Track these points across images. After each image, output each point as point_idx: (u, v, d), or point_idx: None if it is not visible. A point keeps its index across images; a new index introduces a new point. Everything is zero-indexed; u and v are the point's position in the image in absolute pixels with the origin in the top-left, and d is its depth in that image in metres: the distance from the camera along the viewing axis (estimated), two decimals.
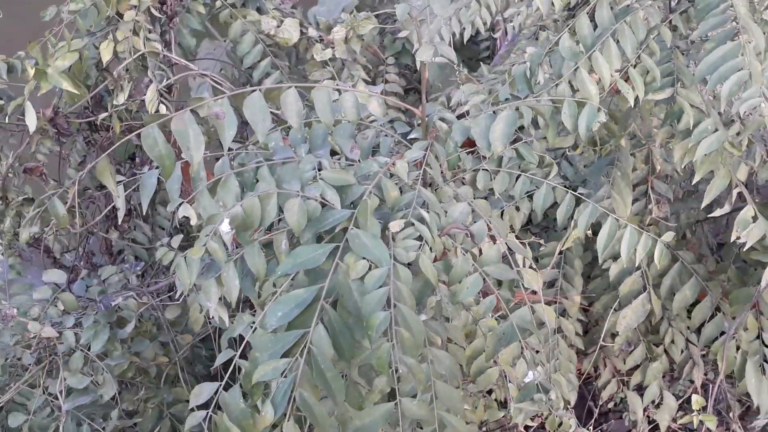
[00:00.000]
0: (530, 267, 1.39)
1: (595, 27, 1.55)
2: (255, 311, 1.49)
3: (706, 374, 2.13)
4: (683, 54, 1.67)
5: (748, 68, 1.36)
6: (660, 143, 1.87)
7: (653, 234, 1.50)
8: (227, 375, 1.23)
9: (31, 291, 1.91)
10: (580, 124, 1.38)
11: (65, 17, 1.99)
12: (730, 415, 2.14)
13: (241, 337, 1.33)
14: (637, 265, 1.66)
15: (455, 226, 1.35)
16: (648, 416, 2.19)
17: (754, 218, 1.55)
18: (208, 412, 1.22)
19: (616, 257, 1.90)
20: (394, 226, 1.28)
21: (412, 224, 1.29)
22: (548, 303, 2.04)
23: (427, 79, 1.42)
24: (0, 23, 2.06)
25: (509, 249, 1.38)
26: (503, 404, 1.93)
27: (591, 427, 2.28)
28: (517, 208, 1.95)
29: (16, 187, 2.17)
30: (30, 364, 1.84)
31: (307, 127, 1.50)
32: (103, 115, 2.05)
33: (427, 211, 1.31)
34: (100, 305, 1.86)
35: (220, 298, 1.32)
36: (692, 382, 2.10)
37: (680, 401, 2.14)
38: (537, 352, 1.44)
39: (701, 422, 1.87)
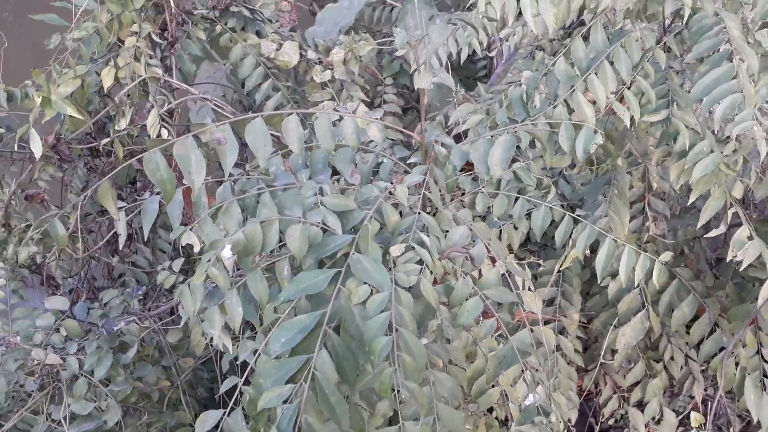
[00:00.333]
0: (529, 288, 1.40)
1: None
2: (256, 331, 1.50)
3: (706, 390, 2.14)
4: (678, 74, 1.69)
5: (742, 91, 1.38)
6: (656, 162, 1.89)
7: (651, 251, 1.52)
8: (232, 401, 1.23)
9: (33, 316, 1.92)
10: (578, 147, 1.40)
11: (69, 45, 2.01)
12: (731, 430, 2.14)
13: (244, 360, 1.34)
14: (635, 283, 1.67)
15: (455, 249, 1.37)
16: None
17: (750, 237, 1.56)
18: None
19: (614, 274, 1.92)
20: (395, 250, 1.30)
21: (413, 248, 1.30)
22: (547, 321, 2.05)
23: (426, 103, 1.44)
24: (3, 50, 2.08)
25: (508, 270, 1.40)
26: (504, 422, 1.94)
27: None
28: (516, 227, 1.97)
29: (18, 214, 2.18)
30: (33, 391, 1.84)
31: (308, 151, 1.52)
32: (105, 140, 2.07)
33: (428, 235, 1.33)
34: (102, 330, 1.86)
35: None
36: (692, 397, 2.11)
37: (681, 417, 2.15)
38: (537, 371, 1.45)
39: None
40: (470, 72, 3.22)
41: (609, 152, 1.85)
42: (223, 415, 1.21)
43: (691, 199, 1.58)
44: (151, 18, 2.20)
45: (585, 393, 2.26)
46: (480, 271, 1.40)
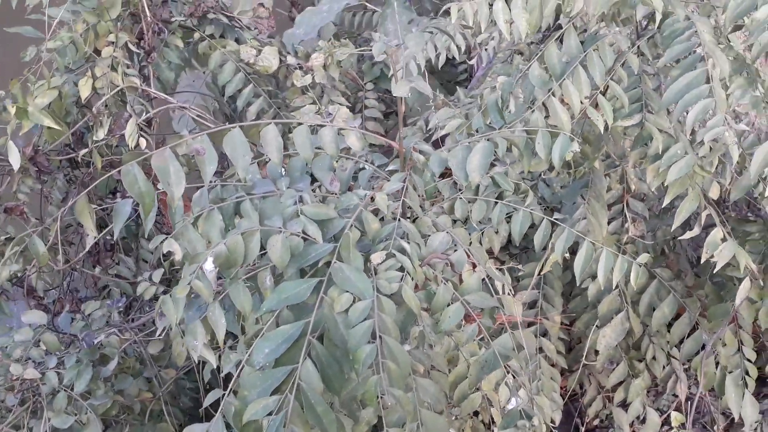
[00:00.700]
0: (509, 293, 1.41)
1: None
2: (237, 340, 1.50)
3: (690, 388, 2.17)
4: (653, 77, 1.71)
5: (713, 96, 1.40)
6: (633, 164, 1.91)
7: (631, 252, 1.54)
8: (218, 412, 1.23)
9: (12, 332, 1.90)
10: (554, 154, 1.41)
11: (44, 56, 2.00)
12: (715, 428, 2.17)
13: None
14: (615, 285, 1.69)
15: (436, 255, 1.37)
16: (634, 431, 2.22)
17: (723, 239, 1.58)
18: None
19: (594, 276, 1.93)
20: (376, 258, 1.30)
21: (394, 255, 1.31)
22: (530, 324, 2.07)
23: (404, 111, 1.45)
24: None
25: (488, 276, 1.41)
26: (489, 425, 1.95)
27: None
28: (496, 231, 1.98)
29: None
30: (14, 406, 1.83)
31: (286, 158, 1.51)
32: (84, 151, 2.06)
33: (408, 242, 1.33)
34: (82, 343, 1.85)
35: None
36: (676, 396, 2.13)
37: (664, 416, 2.17)
38: (515, 375, 1.46)
39: None
40: (451, 75, 3.23)
41: (586, 155, 1.87)
42: (208, 429, 1.21)
43: (666, 200, 1.60)
44: (127, 27, 2.20)
45: (570, 394, 2.28)
46: (461, 276, 1.41)
